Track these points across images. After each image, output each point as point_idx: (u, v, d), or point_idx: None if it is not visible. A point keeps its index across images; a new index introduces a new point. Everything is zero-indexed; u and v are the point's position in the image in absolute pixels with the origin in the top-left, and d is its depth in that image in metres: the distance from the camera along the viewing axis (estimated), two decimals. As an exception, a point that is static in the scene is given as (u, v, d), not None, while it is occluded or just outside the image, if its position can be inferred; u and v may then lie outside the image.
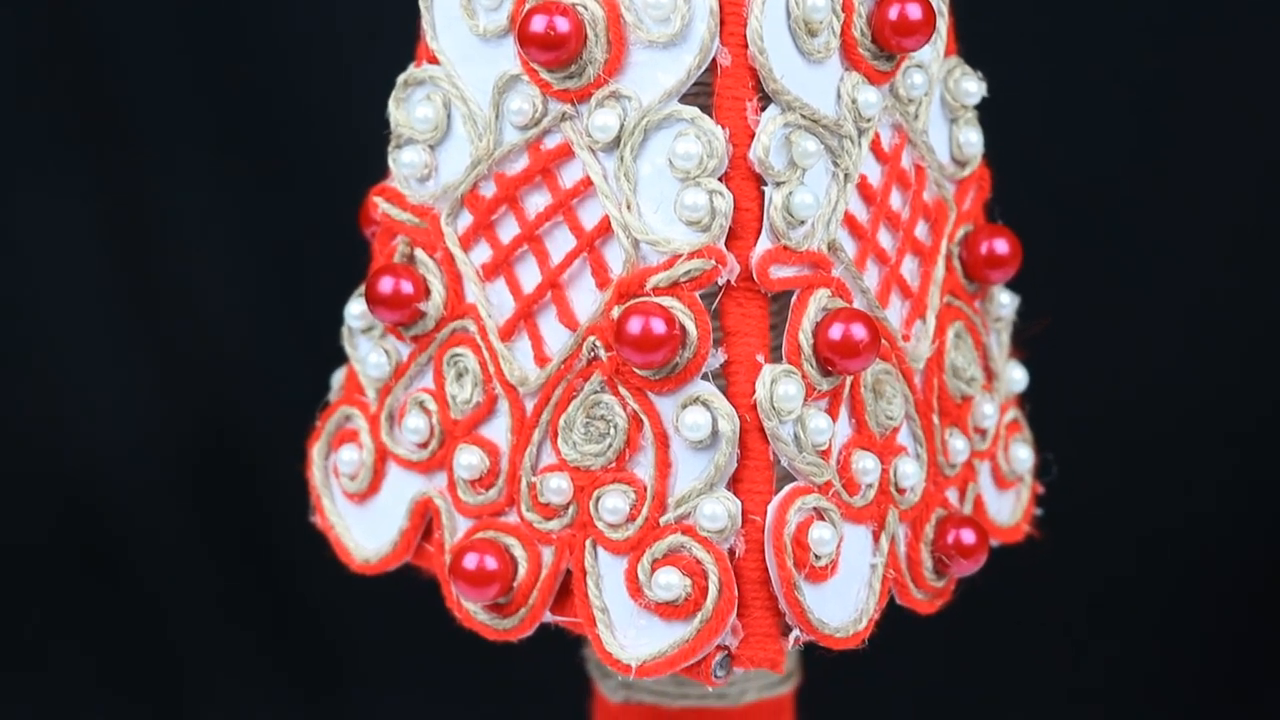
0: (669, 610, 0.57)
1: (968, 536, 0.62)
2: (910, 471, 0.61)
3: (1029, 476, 0.68)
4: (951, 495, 0.64)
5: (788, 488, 0.58)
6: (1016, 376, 0.68)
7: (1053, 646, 1.12)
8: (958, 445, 0.63)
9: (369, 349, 0.63)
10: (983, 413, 0.65)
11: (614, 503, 0.58)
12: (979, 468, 0.65)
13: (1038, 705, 1.12)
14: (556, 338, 0.59)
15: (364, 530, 0.64)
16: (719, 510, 0.57)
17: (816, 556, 0.58)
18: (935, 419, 0.62)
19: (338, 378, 0.66)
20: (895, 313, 0.61)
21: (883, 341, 0.59)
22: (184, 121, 1.06)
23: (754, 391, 0.57)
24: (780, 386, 0.57)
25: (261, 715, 1.12)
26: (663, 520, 0.57)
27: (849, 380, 0.59)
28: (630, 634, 0.58)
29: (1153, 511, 1.09)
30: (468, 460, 0.61)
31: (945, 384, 0.63)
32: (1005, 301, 0.66)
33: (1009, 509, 0.67)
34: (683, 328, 0.56)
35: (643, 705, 0.70)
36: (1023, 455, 0.67)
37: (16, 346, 1.08)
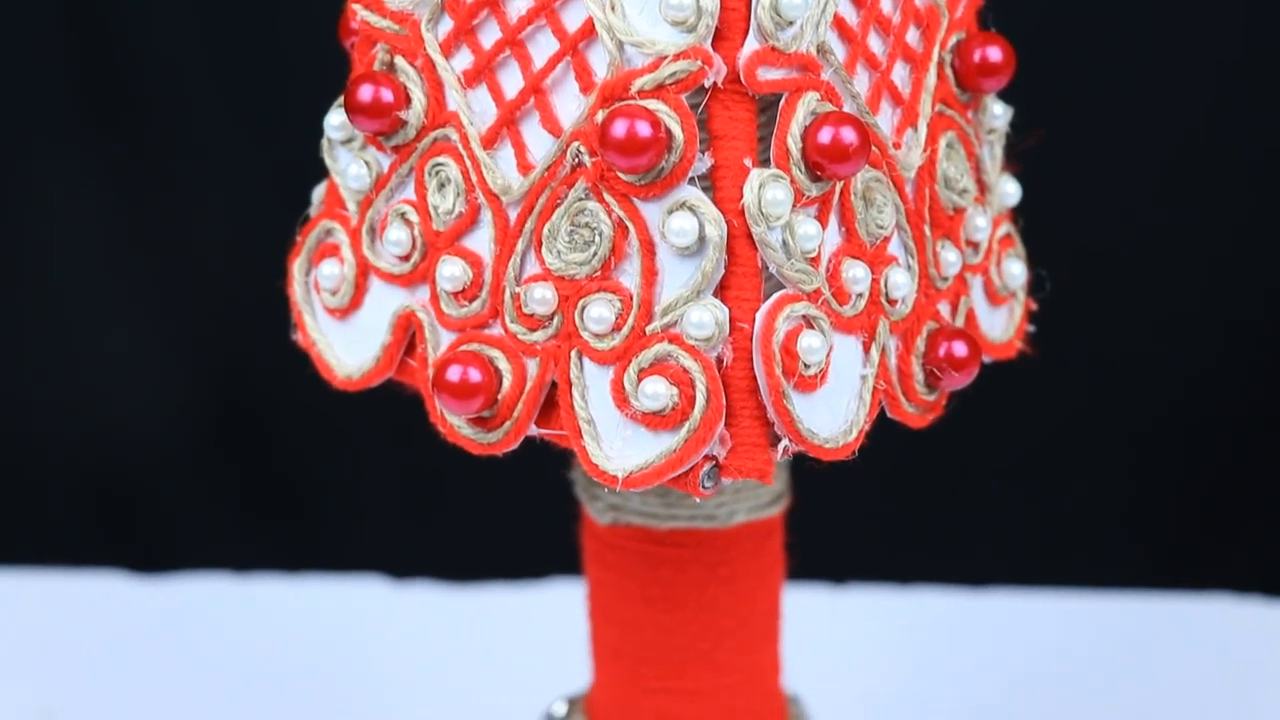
0: (656, 420, 0.56)
1: (960, 349, 0.61)
2: (901, 282, 0.60)
3: (1022, 292, 0.67)
4: (943, 308, 0.63)
5: (776, 295, 0.57)
6: (1009, 190, 0.66)
7: (1041, 462, 1.12)
8: (949, 258, 0.62)
9: (349, 161, 0.62)
10: (975, 225, 0.63)
11: (599, 312, 0.57)
12: (971, 282, 0.64)
13: (1022, 521, 1.12)
14: (540, 144, 0.58)
15: (346, 346, 0.63)
16: (706, 318, 0.56)
17: (805, 365, 0.57)
18: (927, 230, 0.61)
19: (318, 193, 0.65)
20: (886, 120, 0.60)
21: (873, 148, 0.58)
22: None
23: (741, 196, 0.56)
24: (768, 191, 0.55)
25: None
26: (649, 329, 0.56)
27: (838, 187, 0.58)
28: (617, 445, 0.57)
29: (1145, 331, 1.08)
30: (450, 272, 0.59)
31: (937, 195, 0.62)
32: (998, 113, 0.65)
33: (1001, 325, 0.67)
34: (668, 131, 0.55)
35: (631, 527, 0.69)
36: (1015, 271, 0.66)
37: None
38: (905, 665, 1.02)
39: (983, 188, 0.64)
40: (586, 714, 0.76)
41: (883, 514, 1.13)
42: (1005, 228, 0.66)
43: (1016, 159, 0.67)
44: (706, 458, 0.57)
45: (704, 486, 0.57)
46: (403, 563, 1.12)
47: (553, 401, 0.59)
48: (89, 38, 1.06)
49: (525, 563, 1.10)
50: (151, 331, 1.11)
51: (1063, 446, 1.11)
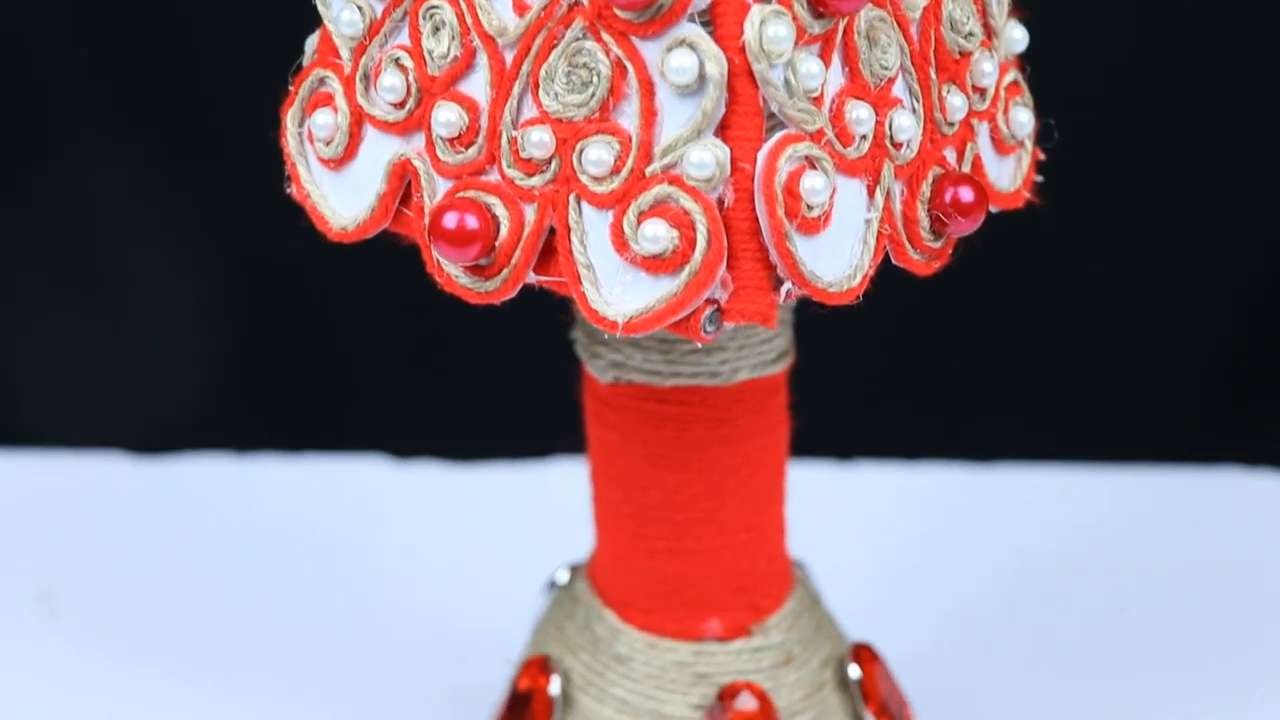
0: (656, 264, 0.55)
1: (966, 194, 0.60)
2: (906, 124, 0.58)
3: (1029, 141, 0.66)
4: (949, 155, 0.61)
5: (778, 135, 0.55)
6: (1017, 36, 0.65)
7: (1047, 336, 1.11)
8: (955, 102, 0.61)
9: (341, 6, 0.61)
10: (981, 70, 0.62)
11: (598, 154, 0.56)
12: (978, 129, 0.63)
13: (1029, 397, 1.11)
14: (536, -17, 0.56)
15: (341, 197, 0.62)
16: (707, 158, 0.54)
17: (809, 206, 0.55)
18: (932, 73, 0.60)
19: (311, 42, 0.64)
20: (889, -42, 0.59)
21: (876, -16, 0.57)
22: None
23: (742, 33, 0.54)
24: (769, 27, 0.54)
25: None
26: (648, 171, 0.55)
27: (841, 26, 0.57)
28: (616, 290, 0.56)
29: (1153, 178, 1.07)
30: (446, 117, 0.58)
31: (942, 37, 0.60)
32: (1006, -45, 0.64)
33: (1009, 175, 0.65)
34: (667, -34, 0.54)
35: (633, 386, 0.69)
36: (1023, 119, 0.65)
37: None
38: (912, 541, 1.02)
39: (989, 32, 0.63)
40: (589, 578, 0.75)
41: (888, 390, 1.12)
42: (1012, 75, 0.65)
43: (1024, 5, 0.66)
44: (708, 301, 0.56)
45: (705, 331, 0.56)
46: (405, 442, 1.11)
47: (551, 248, 0.58)
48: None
49: (529, 442, 1.10)
50: (157, 204, 1.09)
51: (1070, 319, 1.10)
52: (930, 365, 1.12)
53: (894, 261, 0.60)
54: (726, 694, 0.71)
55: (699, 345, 0.66)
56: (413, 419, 1.13)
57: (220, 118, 1.07)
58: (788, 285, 0.56)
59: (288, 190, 0.64)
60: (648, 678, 0.72)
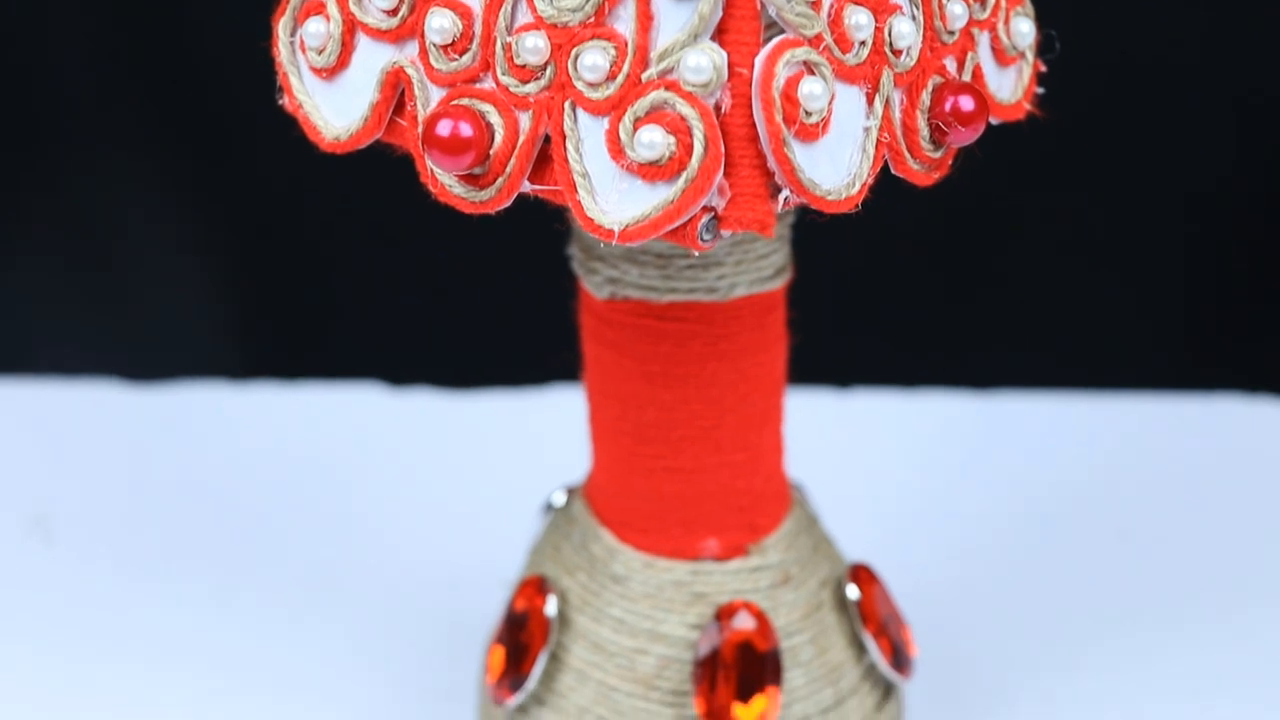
0: (652, 171, 0.54)
1: (966, 103, 0.59)
2: (906, 31, 0.58)
3: (1030, 53, 0.65)
4: (949, 64, 0.61)
5: (776, 39, 0.55)
6: (1018, -56, 0.64)
7: (1046, 261, 1.10)
8: (956, 10, 0.60)
9: (333, -89, 0.60)
10: (983, -22, 0.61)
11: (593, 60, 0.55)
12: (978, 38, 0.62)
13: (1027, 324, 1.11)
14: (530, -115, 0.56)
15: (333, 107, 0.61)
16: (704, 62, 0.54)
17: (807, 113, 0.55)
18: (932, -21, 0.59)
19: (302, -51, 0.63)
20: None
21: (876, -113, 0.56)
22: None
23: (740, -66, 0.53)
24: (767, -72, 0.53)
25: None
26: (645, 76, 0.55)
27: (841, -72, 0.56)
28: (612, 198, 0.56)
29: (1156, 115, 1.06)
30: (439, 24, 0.57)
31: (943, -58, 0.59)
32: None
33: (1010, 86, 0.65)
34: None
35: (629, 301, 0.68)
36: (1024, 29, 0.64)
37: None
38: (911, 468, 1.01)
39: (990, -61, 0.62)
40: (586, 498, 0.75)
41: (887, 318, 1.11)
42: (1014, -16, 0.64)
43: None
44: (705, 209, 0.55)
45: (702, 239, 0.55)
46: (401, 370, 1.10)
47: (546, 156, 0.57)
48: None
49: (525, 369, 1.09)
50: (147, 129, 1.08)
51: (1070, 248, 1.10)
52: (928, 293, 1.11)
53: (893, 171, 0.59)
54: (724, 613, 0.70)
55: (695, 256, 0.66)
56: (408, 346, 1.12)
57: (210, 39, 1.06)
58: (786, 193, 0.55)
59: (280, 102, 0.63)
60: (644, 597, 0.72)
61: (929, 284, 1.11)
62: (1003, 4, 0.63)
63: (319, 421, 1.06)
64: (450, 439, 1.04)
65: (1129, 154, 1.08)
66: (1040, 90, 0.66)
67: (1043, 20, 0.66)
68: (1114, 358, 1.10)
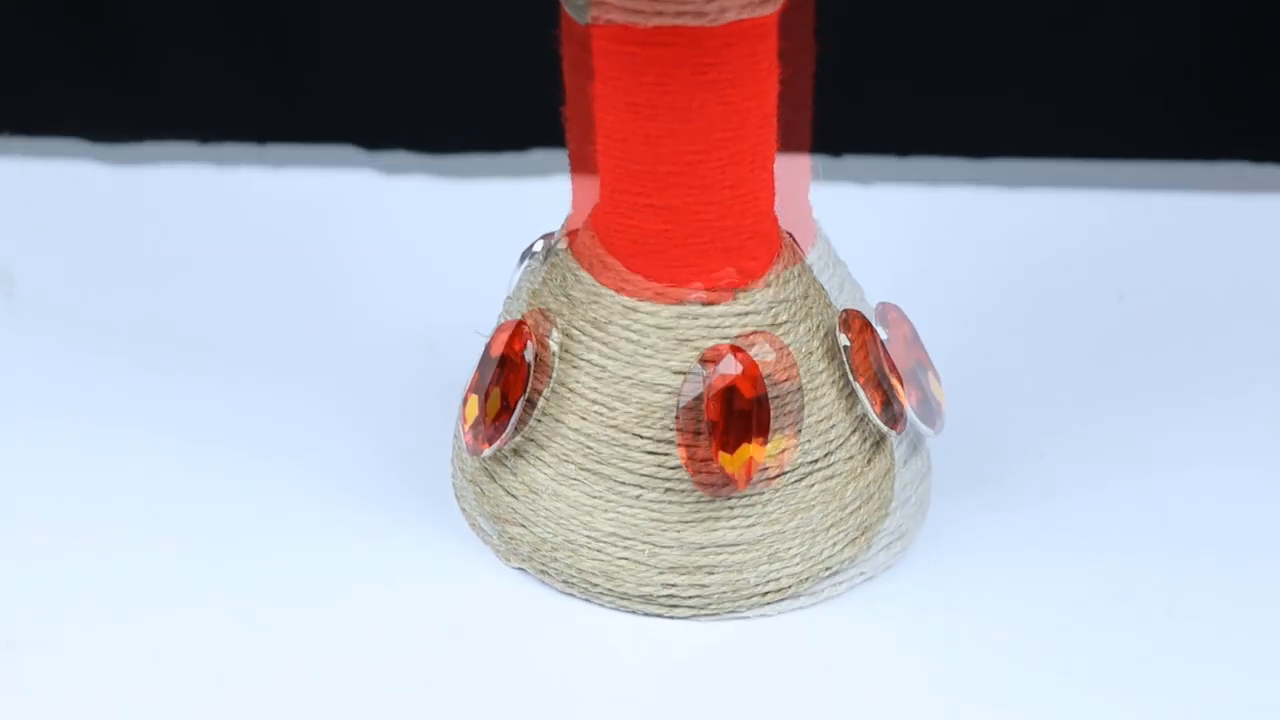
0: None
1: None
2: None
3: None
4: None
5: None
6: None
7: (1053, 28, 1.07)
8: None
9: None
10: None
11: None
12: None
13: (1033, 90, 1.07)
14: None
15: None
16: None
17: None
18: None
19: None
20: None
21: None
22: None
23: None
24: None
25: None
26: None
27: None
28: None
29: None
30: None
31: None
32: None
33: None
34: None
35: (613, 26, 0.64)
36: None
37: None
38: (907, 237, 0.98)
39: None
40: (566, 239, 0.71)
41: (881, 80, 1.08)
42: None
43: None
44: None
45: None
46: (378, 135, 1.07)
47: None
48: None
49: (506, 135, 1.05)
50: None
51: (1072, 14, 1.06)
52: (926, 55, 1.07)
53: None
54: (709, 358, 0.68)
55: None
56: (386, 112, 1.08)
57: None
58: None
59: None
60: (626, 342, 0.69)
61: (926, 44, 1.07)
62: None
63: (294, 190, 1.02)
64: (430, 210, 1.01)
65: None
66: None
67: None
68: (1119, 124, 1.07)
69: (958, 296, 0.93)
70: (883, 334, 0.71)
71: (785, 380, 0.68)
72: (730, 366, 0.67)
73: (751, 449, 0.67)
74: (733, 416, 0.67)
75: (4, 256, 0.95)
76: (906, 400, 0.72)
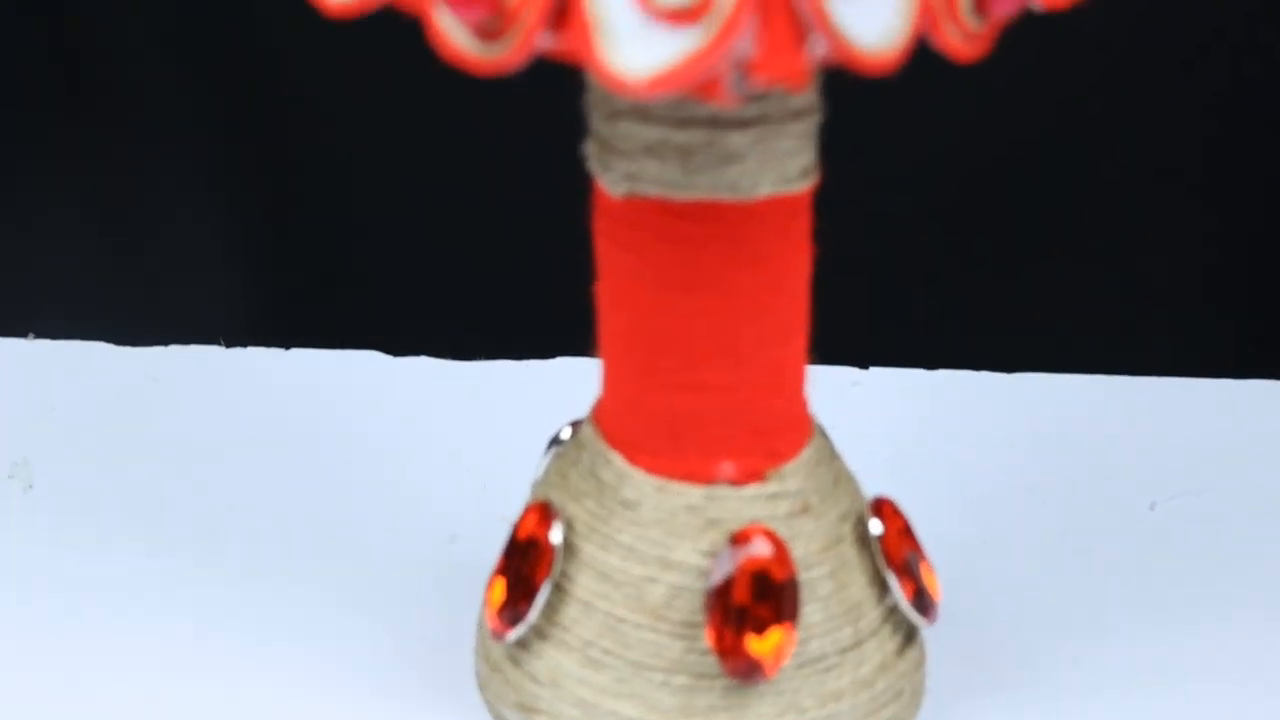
0: (679, 15, 0.51)
1: (1010, -31, 0.56)
2: (950, -113, 0.54)
3: (1076, -62, 0.62)
4: (992, -66, 0.57)
5: (814, -124, 0.51)
6: None
7: (1074, 241, 1.07)
8: (998, -121, 0.57)
9: None
10: None
11: (618, -101, 0.52)
12: (1022, -86, 0.59)
13: (1056, 306, 1.07)
14: None
15: (340, -34, 0.58)
16: (736, -103, 0.50)
17: (844, -42, 0.51)
18: None
19: None
20: None
21: None
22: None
23: None
24: None
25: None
26: (673, -86, 0.51)
27: None
28: (636, 47, 0.52)
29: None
30: None
31: None
32: None
33: (1054, -30, 0.61)
34: None
35: (647, 199, 0.65)
36: (1072, -89, 0.61)
37: None
38: (934, 443, 0.97)
39: None
40: (595, 423, 0.71)
41: (908, 300, 1.08)
42: None
43: None
44: (734, 59, 0.51)
45: (732, 91, 0.52)
46: (401, 343, 1.07)
47: (565, 9, 0.53)
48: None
49: (532, 342, 1.05)
50: (157, 99, 1.06)
51: (1100, 230, 1.06)
52: (955, 273, 1.08)
53: (932, 41, 0.56)
54: (739, 539, 0.66)
55: (717, 149, 0.62)
56: (410, 319, 1.09)
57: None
58: (820, 44, 0.52)
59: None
60: (656, 523, 0.68)
61: (954, 263, 1.07)
62: (1048, -118, 0.60)
63: (314, 384, 1.02)
64: (451, 405, 1.00)
65: (1157, 134, 1.05)
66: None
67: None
68: (1144, 343, 1.07)
69: (962, 484, 0.92)
70: (877, 529, 0.70)
71: (784, 577, 0.67)
72: (761, 548, 0.66)
73: (781, 633, 0.66)
74: (762, 600, 0.66)
75: (23, 446, 0.94)
76: (937, 593, 0.71)
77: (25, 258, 1.10)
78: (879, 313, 1.07)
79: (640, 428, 0.68)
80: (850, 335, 0.99)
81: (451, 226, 1.07)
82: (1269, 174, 1.04)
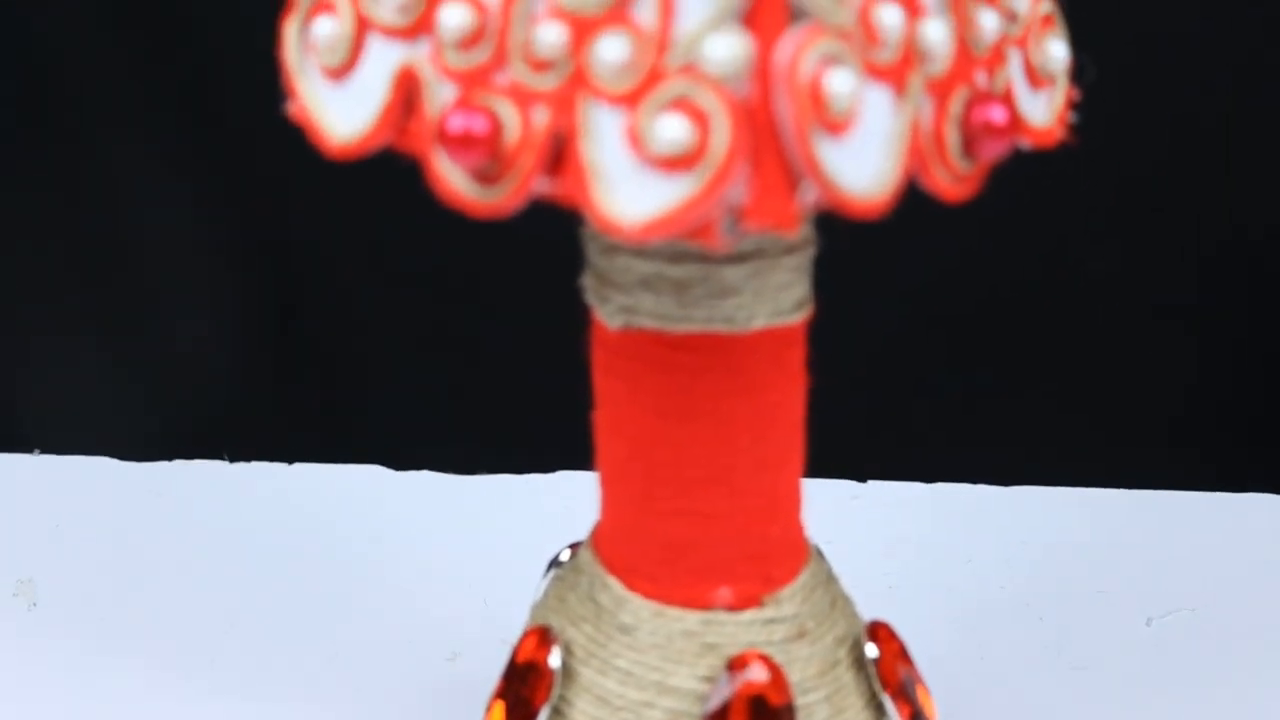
0: (672, 163, 0.52)
1: (997, 114, 0.57)
2: (936, 36, 0.56)
3: (1063, 78, 0.63)
4: (980, 78, 0.59)
5: (804, 29, 0.53)
6: (1050, -35, 0.62)
7: (1070, 358, 1.08)
8: (987, 22, 0.58)
9: (348, -94, 0.58)
10: (1015, -8, 0.59)
11: (613, 50, 0.53)
12: (1010, 56, 0.60)
13: (1051, 421, 1.08)
14: None
15: (342, 109, 0.59)
16: (728, 50, 0.52)
17: (834, 106, 0.52)
18: (963, -14, 0.57)
19: (315, -48, 0.61)
20: None
21: (907, -118, 0.54)
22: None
23: (767, -83, 0.52)
24: (796, -88, 0.51)
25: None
26: (666, 65, 0.52)
27: (871, -79, 0.54)
28: (630, 193, 0.53)
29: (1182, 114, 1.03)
30: (454, 17, 0.55)
31: (975, -49, 0.58)
32: (1040, -125, 0.61)
33: (1042, 109, 0.62)
34: None
35: (643, 332, 0.65)
36: (1057, 53, 0.62)
37: None
38: (930, 556, 0.98)
39: (1023, -45, 0.60)
40: (593, 547, 0.72)
41: (906, 414, 1.09)
42: (1047, 6, 0.62)
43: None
44: (726, 204, 0.52)
45: (724, 236, 0.53)
46: (404, 457, 1.08)
47: (561, 153, 0.55)
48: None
49: (532, 457, 1.06)
50: (163, 221, 1.07)
51: (1095, 347, 1.07)
52: (951, 388, 1.09)
53: (921, 183, 0.57)
54: (736, 664, 0.67)
55: (713, 284, 0.63)
56: (412, 434, 1.09)
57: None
58: (810, 190, 0.53)
59: (287, 108, 0.61)
60: (653, 648, 0.68)
61: (949, 379, 1.08)
62: (1035, 24, 0.61)
63: (317, 499, 1.03)
64: (453, 521, 1.01)
65: (1147, 253, 1.06)
66: (1072, 117, 0.64)
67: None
68: (1140, 456, 1.07)
69: (959, 599, 0.92)
70: (873, 652, 0.70)
71: (781, 702, 0.67)
72: (758, 674, 0.67)
73: (779, 759, 0.66)
74: (760, 725, 0.67)
75: (27, 563, 0.95)
76: (934, 715, 0.72)
77: (29, 373, 1.11)
78: (877, 426, 1.08)
79: (638, 553, 0.69)
80: (848, 449, 1.00)
81: (452, 341, 1.08)
82: (1258, 293, 1.05)
